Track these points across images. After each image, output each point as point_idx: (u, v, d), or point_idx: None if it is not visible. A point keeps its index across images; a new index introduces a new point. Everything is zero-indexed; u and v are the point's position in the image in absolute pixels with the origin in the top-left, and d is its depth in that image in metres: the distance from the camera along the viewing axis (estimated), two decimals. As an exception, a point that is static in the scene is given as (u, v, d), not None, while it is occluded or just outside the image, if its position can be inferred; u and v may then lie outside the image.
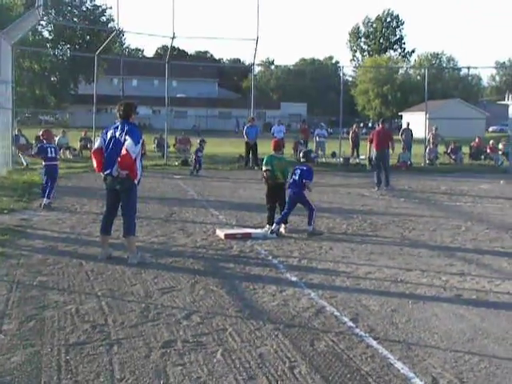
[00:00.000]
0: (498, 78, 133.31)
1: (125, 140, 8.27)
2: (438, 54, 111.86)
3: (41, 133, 14.48)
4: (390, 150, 19.39)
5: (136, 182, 8.53)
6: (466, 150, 31.42)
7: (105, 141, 8.58)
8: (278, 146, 11.93)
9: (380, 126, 19.97)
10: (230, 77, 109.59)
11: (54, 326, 5.84)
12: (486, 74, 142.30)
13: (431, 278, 8.09)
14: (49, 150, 13.85)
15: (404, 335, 5.85)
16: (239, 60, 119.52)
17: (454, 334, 5.92)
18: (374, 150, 19.11)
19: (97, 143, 8.89)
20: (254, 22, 26.47)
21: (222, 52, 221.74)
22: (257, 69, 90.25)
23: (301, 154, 11.85)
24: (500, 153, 29.95)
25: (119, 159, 8.24)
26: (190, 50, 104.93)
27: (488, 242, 10.72)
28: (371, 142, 19.41)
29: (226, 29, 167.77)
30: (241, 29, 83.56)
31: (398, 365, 5.12)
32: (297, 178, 11.05)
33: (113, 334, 5.65)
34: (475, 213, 14.25)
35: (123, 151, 8.20)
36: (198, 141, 24.02)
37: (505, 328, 6.12)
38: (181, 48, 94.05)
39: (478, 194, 18.14)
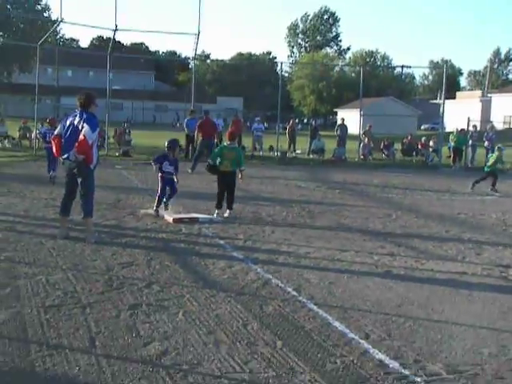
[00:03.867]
0: (430, 78, 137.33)
1: (82, 127, 8.86)
2: (372, 52, 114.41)
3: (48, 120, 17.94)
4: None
5: (92, 166, 9.11)
6: (398, 146, 32.69)
7: (64, 127, 9.17)
8: (232, 137, 12.71)
9: (204, 117, 23.21)
10: (167, 70, 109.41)
11: (29, 292, 6.45)
12: (419, 74, 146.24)
13: (364, 257, 8.98)
14: (47, 135, 16.16)
15: (341, 302, 6.69)
16: (175, 53, 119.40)
17: (383, 301, 6.79)
18: (201, 138, 22.03)
19: (57, 130, 9.49)
20: (190, 14, 26.81)
21: (158, 44, 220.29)
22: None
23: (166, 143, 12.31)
24: (431, 150, 31.32)
25: (77, 144, 8.82)
26: (126, 41, 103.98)
27: (416, 228, 11.74)
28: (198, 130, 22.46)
29: (162, 21, 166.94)
30: (177, 21, 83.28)
31: (336, 324, 5.94)
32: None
33: (84, 299, 6.30)
34: (405, 203, 15.32)
35: (81, 137, 8.78)
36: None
37: (427, 297, 7.04)
38: (117, 39, 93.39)
39: (408, 187, 19.28)
